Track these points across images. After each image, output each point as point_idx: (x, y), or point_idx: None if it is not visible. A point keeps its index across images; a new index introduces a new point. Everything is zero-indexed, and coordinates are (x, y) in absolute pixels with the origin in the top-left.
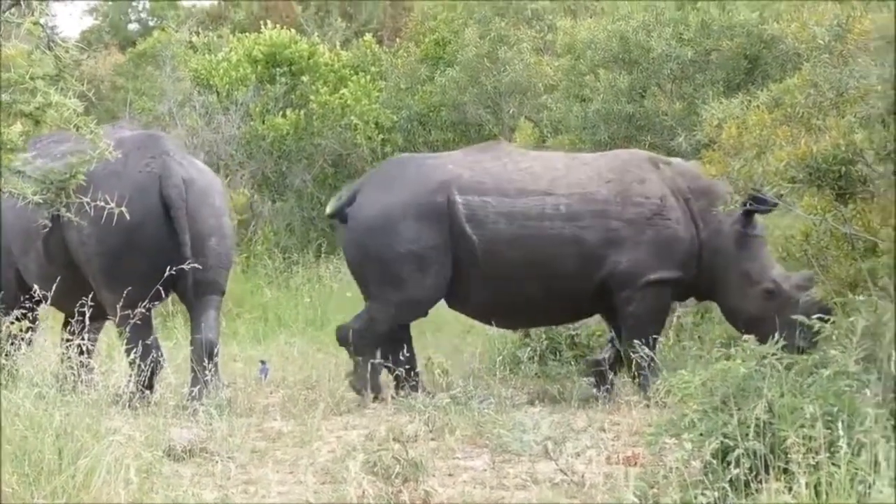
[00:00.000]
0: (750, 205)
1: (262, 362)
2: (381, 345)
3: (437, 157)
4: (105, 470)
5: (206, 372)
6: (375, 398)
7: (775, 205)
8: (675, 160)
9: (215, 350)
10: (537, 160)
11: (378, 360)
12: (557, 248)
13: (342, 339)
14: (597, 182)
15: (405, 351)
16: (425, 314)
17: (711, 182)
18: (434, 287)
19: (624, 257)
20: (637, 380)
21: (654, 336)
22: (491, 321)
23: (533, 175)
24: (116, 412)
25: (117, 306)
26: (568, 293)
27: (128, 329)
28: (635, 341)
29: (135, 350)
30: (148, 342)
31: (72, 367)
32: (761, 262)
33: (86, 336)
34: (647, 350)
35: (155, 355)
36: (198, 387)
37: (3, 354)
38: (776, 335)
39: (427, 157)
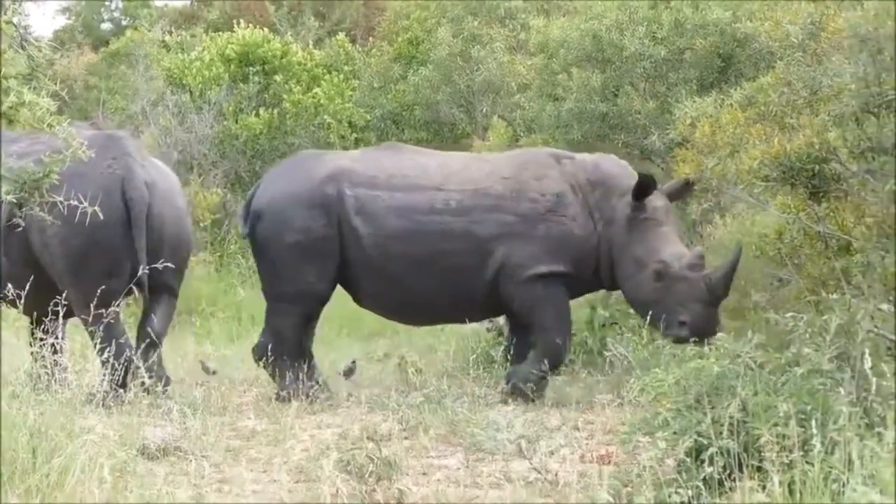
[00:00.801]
0: (637, 186)
1: (353, 361)
2: (296, 351)
3: (336, 153)
4: (79, 469)
5: (147, 364)
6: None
7: (654, 183)
8: (581, 155)
9: (157, 344)
10: (435, 158)
11: (295, 363)
12: (446, 242)
13: (258, 359)
14: (492, 178)
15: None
16: (317, 309)
17: (609, 173)
18: (322, 279)
19: (514, 251)
20: (533, 375)
21: (563, 327)
22: (392, 317)
23: (426, 171)
24: (90, 411)
25: (85, 305)
26: (461, 289)
27: (100, 328)
28: (554, 339)
29: (108, 349)
30: (121, 341)
31: (45, 367)
32: (650, 244)
33: (58, 335)
34: (557, 343)
35: (128, 354)
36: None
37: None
38: (666, 317)
39: (326, 153)
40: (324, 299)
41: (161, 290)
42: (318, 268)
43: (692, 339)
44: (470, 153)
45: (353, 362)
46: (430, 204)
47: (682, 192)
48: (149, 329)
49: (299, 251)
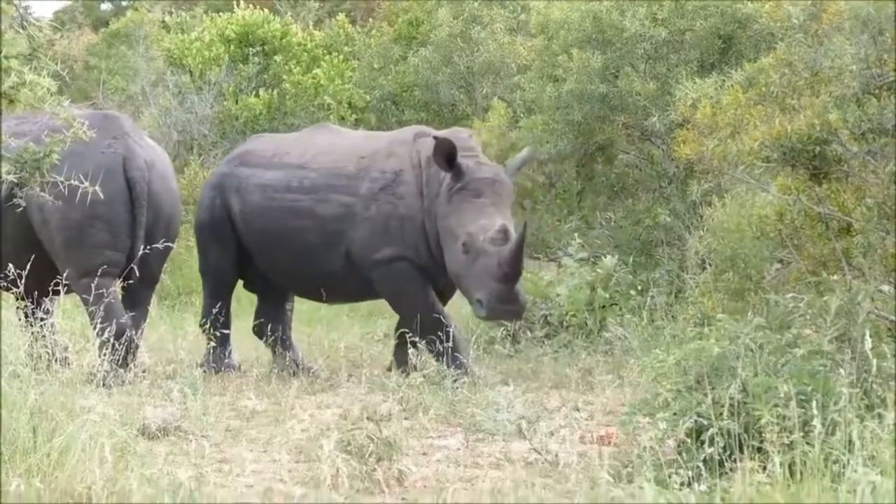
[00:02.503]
0: (434, 152)
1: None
2: (226, 324)
3: (278, 135)
4: (80, 448)
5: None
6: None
7: (454, 147)
8: (447, 131)
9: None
10: (331, 138)
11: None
12: (295, 220)
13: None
14: (349, 157)
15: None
16: (230, 283)
17: None
18: (226, 256)
19: (356, 234)
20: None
21: (427, 312)
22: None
23: (305, 150)
24: (91, 391)
25: (83, 283)
26: (320, 267)
27: (100, 308)
28: (419, 323)
29: (108, 328)
30: (122, 321)
31: (45, 346)
32: (462, 215)
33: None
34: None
35: (129, 334)
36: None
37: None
38: (469, 293)
39: (270, 135)
40: (234, 276)
41: (149, 272)
42: (222, 246)
43: (488, 320)
44: (370, 133)
45: None
46: (287, 182)
47: (522, 165)
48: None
49: (207, 230)
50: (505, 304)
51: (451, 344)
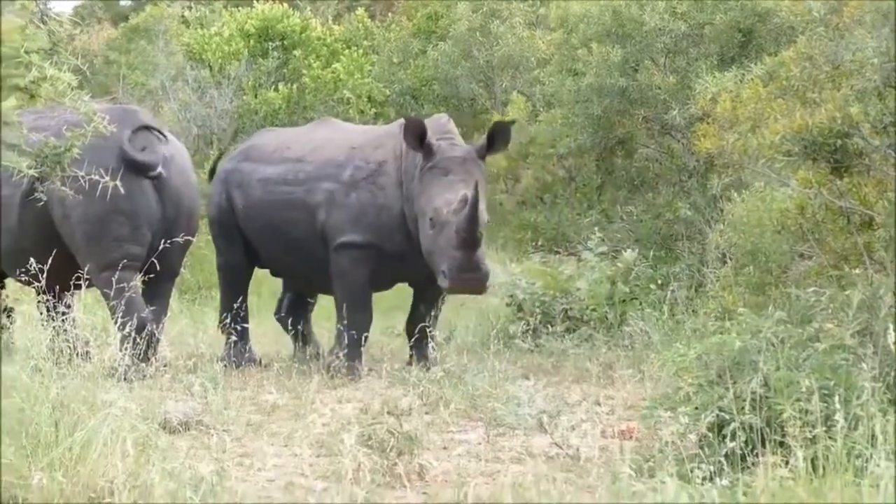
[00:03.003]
0: (404, 131)
1: (451, 331)
2: (245, 319)
3: (280, 129)
4: (102, 442)
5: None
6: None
7: (422, 125)
8: (429, 118)
9: (157, 326)
10: (330, 132)
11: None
12: (290, 212)
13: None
14: (341, 149)
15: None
16: (245, 278)
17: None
18: (236, 251)
19: (329, 218)
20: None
21: (353, 302)
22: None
23: (304, 144)
24: (112, 385)
25: (104, 277)
26: (316, 259)
27: (122, 302)
28: (349, 313)
29: (129, 323)
30: (143, 315)
31: (67, 341)
32: (431, 193)
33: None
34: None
35: (150, 328)
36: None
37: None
38: (437, 268)
39: (275, 130)
40: (245, 269)
41: (170, 264)
42: (229, 241)
43: (451, 291)
44: (371, 127)
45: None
46: (284, 175)
47: (499, 140)
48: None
49: (216, 225)
50: (464, 273)
51: (359, 342)
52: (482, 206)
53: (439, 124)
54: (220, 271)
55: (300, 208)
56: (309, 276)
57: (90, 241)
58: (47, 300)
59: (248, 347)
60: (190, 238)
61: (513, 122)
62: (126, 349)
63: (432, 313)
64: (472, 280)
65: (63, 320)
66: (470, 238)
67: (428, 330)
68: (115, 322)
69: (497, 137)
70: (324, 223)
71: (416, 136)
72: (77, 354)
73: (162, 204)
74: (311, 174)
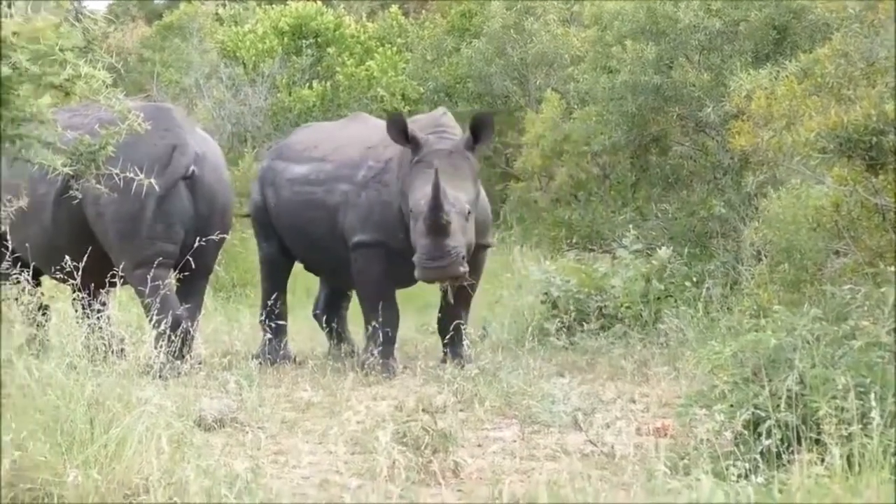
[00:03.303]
0: (387, 128)
1: (483, 328)
2: (281, 316)
3: (317, 125)
4: (137, 440)
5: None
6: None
7: (402, 120)
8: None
9: (191, 324)
10: (362, 129)
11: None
12: (311, 211)
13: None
14: (359, 148)
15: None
16: (282, 275)
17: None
18: (272, 248)
19: (346, 219)
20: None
21: (373, 302)
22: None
23: (329, 142)
24: (147, 382)
25: (138, 274)
26: (337, 258)
27: (156, 300)
28: (367, 312)
29: (164, 320)
30: (178, 312)
31: (102, 338)
32: (414, 186)
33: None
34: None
35: (184, 325)
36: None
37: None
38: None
39: (312, 125)
40: (284, 265)
41: (205, 261)
42: (265, 238)
43: (422, 279)
44: None
45: (485, 328)
46: (307, 175)
47: (484, 131)
48: (180, 312)
49: (256, 223)
50: (431, 261)
51: (378, 337)
52: (458, 195)
53: (433, 118)
54: (260, 266)
55: (321, 208)
56: (336, 275)
57: (123, 239)
58: (82, 298)
59: (283, 344)
60: (224, 236)
61: (494, 112)
62: (161, 347)
63: (463, 310)
64: (439, 268)
65: (98, 317)
66: (433, 224)
67: (462, 327)
68: (150, 320)
69: (481, 129)
70: (342, 224)
71: (399, 132)
72: (112, 352)
73: (195, 202)
74: (331, 174)
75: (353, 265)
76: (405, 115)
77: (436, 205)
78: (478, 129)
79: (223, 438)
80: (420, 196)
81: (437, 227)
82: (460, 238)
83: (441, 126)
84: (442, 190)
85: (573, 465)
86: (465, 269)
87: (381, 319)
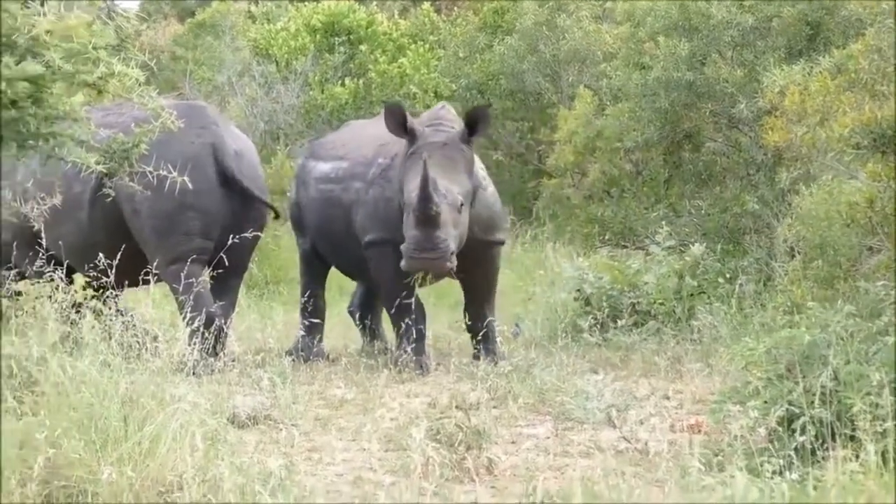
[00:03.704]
0: (384, 118)
1: (517, 325)
2: (314, 313)
3: (355, 122)
4: (170, 437)
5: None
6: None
7: (401, 110)
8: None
9: (225, 321)
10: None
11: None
12: (329, 209)
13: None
14: (373, 146)
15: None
16: (319, 272)
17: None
18: (307, 245)
19: (358, 218)
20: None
21: (392, 300)
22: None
23: (351, 141)
24: (181, 380)
25: (172, 270)
26: (356, 256)
27: (190, 297)
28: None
29: (198, 318)
30: (211, 310)
31: (136, 336)
32: (407, 178)
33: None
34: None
35: (218, 323)
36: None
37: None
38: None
39: (353, 123)
40: (314, 262)
41: (239, 260)
42: (301, 235)
43: (408, 270)
44: None
45: (518, 325)
46: (328, 173)
47: (480, 123)
48: (214, 310)
49: (292, 220)
50: (418, 251)
51: (412, 335)
52: (451, 186)
53: (434, 112)
54: (299, 263)
55: (338, 206)
56: (357, 274)
57: (159, 235)
58: (116, 295)
59: (316, 341)
60: (258, 234)
61: (489, 105)
62: (195, 344)
63: (488, 308)
64: (427, 259)
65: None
66: (422, 215)
67: (493, 323)
68: (184, 317)
69: (477, 122)
70: (356, 222)
71: (397, 123)
72: (145, 349)
73: (232, 199)
74: (347, 172)
75: (369, 265)
76: (404, 106)
77: (425, 195)
78: (474, 122)
79: (257, 436)
80: (412, 187)
81: (427, 218)
82: (451, 230)
83: (438, 119)
84: (432, 181)
85: (607, 461)
86: (451, 265)
87: (413, 317)
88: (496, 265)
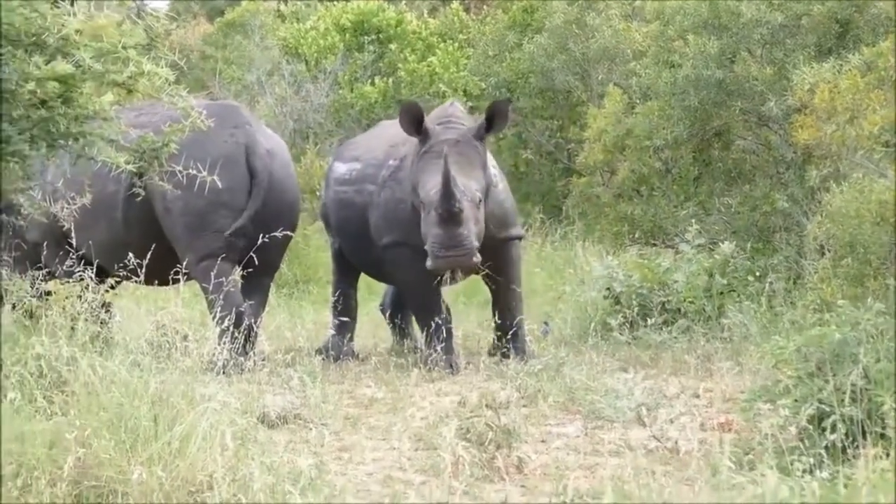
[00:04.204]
0: (399, 117)
1: (546, 323)
2: (345, 312)
3: (387, 122)
4: (201, 437)
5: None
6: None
7: (417, 108)
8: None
9: (255, 321)
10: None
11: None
12: (343, 210)
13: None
14: (386, 147)
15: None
16: (346, 269)
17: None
18: (336, 244)
19: (372, 219)
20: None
21: (416, 302)
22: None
23: (370, 141)
24: (210, 379)
25: (202, 267)
26: (372, 257)
27: (220, 296)
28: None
29: (228, 317)
30: (241, 309)
31: (166, 335)
32: (423, 177)
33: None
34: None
35: (248, 322)
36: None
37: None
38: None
39: (384, 123)
40: (344, 261)
41: (270, 259)
42: (328, 232)
43: (434, 269)
44: None
45: (547, 323)
46: (344, 175)
47: (499, 119)
48: (244, 309)
49: (322, 218)
50: (444, 250)
51: (441, 334)
52: (468, 183)
53: (442, 109)
54: (331, 261)
55: (351, 208)
56: (375, 274)
57: (192, 233)
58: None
59: (346, 340)
60: (289, 233)
61: (509, 100)
62: (224, 343)
63: (516, 306)
64: (455, 257)
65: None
66: (446, 213)
67: (522, 321)
68: (213, 316)
69: (497, 117)
70: (371, 224)
71: (412, 121)
72: (175, 348)
73: (265, 198)
74: (360, 174)
75: (387, 267)
76: (421, 105)
77: (447, 192)
78: (494, 118)
79: (287, 435)
80: (430, 186)
81: (450, 215)
82: (472, 227)
83: (448, 116)
84: (452, 178)
85: (637, 460)
86: (478, 259)
87: (442, 316)
88: (515, 261)
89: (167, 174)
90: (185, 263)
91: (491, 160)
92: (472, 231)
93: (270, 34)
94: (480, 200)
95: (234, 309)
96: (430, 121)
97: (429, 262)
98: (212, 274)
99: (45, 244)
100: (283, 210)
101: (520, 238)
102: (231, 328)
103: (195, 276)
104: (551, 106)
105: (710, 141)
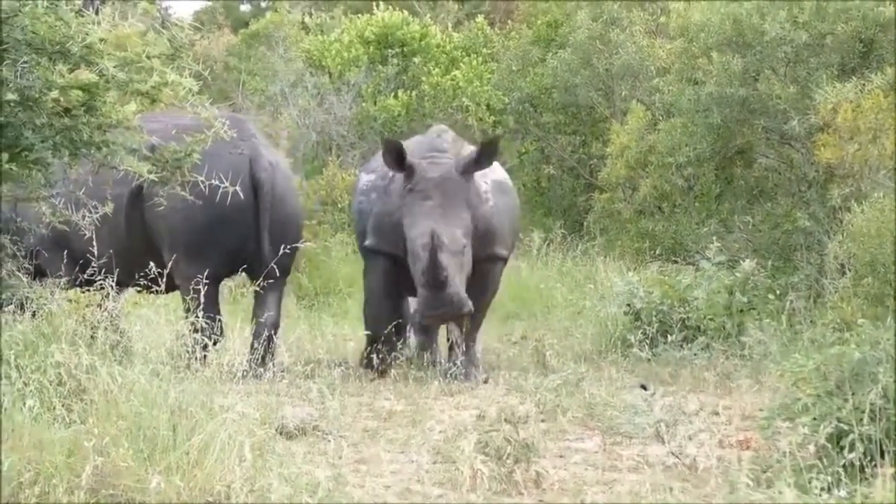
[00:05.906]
0: (383, 153)
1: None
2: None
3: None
4: (219, 447)
5: (262, 350)
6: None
7: (398, 146)
8: (431, 129)
9: (275, 331)
10: (412, 142)
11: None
12: (361, 222)
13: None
14: None
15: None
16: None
17: (421, 142)
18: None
19: (367, 229)
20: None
21: (374, 310)
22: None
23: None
24: (229, 390)
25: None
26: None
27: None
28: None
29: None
30: (261, 320)
31: (185, 345)
32: (410, 219)
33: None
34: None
35: (267, 333)
36: (254, 362)
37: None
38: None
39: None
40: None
41: (281, 272)
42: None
43: (424, 322)
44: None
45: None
46: (362, 185)
47: (486, 157)
48: (263, 320)
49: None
50: (432, 310)
51: (381, 346)
52: (453, 232)
53: (429, 141)
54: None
55: (363, 219)
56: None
57: (187, 246)
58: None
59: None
60: (296, 245)
61: (500, 136)
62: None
63: (474, 318)
64: (442, 315)
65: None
66: (433, 281)
67: (479, 337)
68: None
69: (484, 155)
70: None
71: (395, 158)
72: (195, 358)
73: (268, 210)
74: (371, 185)
75: (364, 271)
76: (401, 142)
77: (434, 265)
78: (482, 155)
79: (305, 446)
80: (417, 234)
81: (436, 283)
82: (457, 281)
83: (433, 150)
84: (437, 239)
85: (655, 476)
86: (468, 307)
87: (389, 332)
88: (492, 281)
89: (186, 185)
90: (176, 272)
91: (484, 178)
92: (457, 286)
93: (294, 46)
94: (465, 245)
95: (254, 320)
96: (415, 153)
97: (418, 316)
98: (196, 285)
99: (65, 253)
100: (289, 221)
101: (503, 259)
102: (251, 341)
103: (180, 282)
104: (574, 121)
105: (732, 159)
